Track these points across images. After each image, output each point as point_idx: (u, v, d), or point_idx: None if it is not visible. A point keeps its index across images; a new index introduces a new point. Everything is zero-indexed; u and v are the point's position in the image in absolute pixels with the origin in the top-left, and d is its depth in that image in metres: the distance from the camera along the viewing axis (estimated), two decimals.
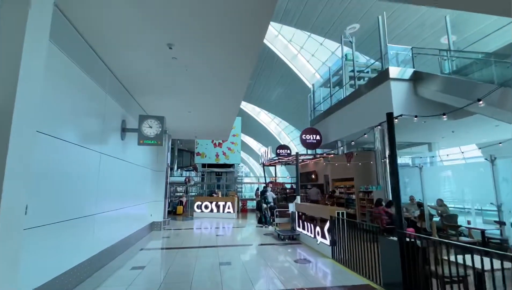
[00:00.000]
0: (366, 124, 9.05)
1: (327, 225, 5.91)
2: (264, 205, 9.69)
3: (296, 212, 7.65)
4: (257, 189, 14.04)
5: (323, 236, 6.06)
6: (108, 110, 5.37)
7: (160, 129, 6.10)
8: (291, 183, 15.62)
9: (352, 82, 11.04)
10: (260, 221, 10.03)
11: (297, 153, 9.00)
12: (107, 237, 5.39)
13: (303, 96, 20.93)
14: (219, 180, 19.84)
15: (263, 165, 15.93)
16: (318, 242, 6.25)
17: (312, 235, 6.61)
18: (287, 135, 28.98)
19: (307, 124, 21.07)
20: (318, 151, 13.37)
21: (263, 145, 33.83)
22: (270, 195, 10.20)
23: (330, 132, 11.53)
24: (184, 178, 17.26)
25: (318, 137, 11.09)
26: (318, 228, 6.33)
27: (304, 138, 11.03)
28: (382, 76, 8.32)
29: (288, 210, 8.66)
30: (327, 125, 11.78)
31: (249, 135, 33.12)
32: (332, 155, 11.77)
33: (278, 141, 28.81)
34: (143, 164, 7.79)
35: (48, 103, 3.62)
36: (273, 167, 19.28)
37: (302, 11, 15.39)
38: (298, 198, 8.26)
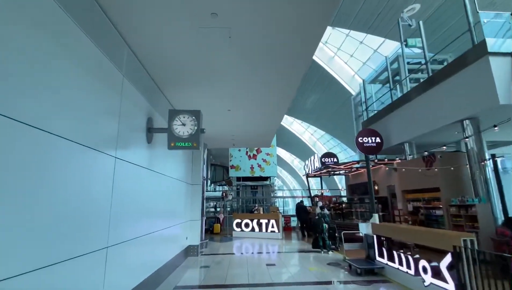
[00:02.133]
0: (448, 118, 6.97)
1: (447, 259, 3.88)
2: (326, 225, 7.67)
3: (374, 235, 5.64)
4: (300, 202, 12.07)
5: (437, 275, 4.02)
6: (126, 101, 3.85)
7: (195, 128, 4.50)
8: (336, 197, 13.46)
9: (418, 73, 9.03)
10: (316, 245, 8.01)
11: (367, 156, 7.07)
12: (126, 277, 3.75)
13: (342, 100, 18.93)
14: (254, 194, 18.23)
15: (307, 176, 13.95)
16: (426, 284, 4.20)
17: (412, 271, 4.58)
18: (323, 145, 26.71)
19: (348, 130, 18.90)
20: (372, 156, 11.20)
21: (297, 156, 31.83)
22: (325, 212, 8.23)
23: (392, 133, 9.46)
24: (221, 192, 15.64)
25: (378, 140, 9.04)
26: (424, 263, 4.31)
27: (361, 141, 9.03)
28: (474, 52, 6.27)
29: (359, 232, 6.62)
30: (387, 125, 9.74)
31: (282, 146, 31.18)
32: (398, 161, 9.63)
33: (312, 151, 26.62)
34: (175, 175, 6.21)
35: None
36: (316, 179, 17.05)
37: (341, 7, 13.72)
38: (376, 217, 6.24)
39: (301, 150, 28.85)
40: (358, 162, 11.03)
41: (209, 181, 18.94)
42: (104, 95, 3.28)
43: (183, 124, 4.50)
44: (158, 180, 5.04)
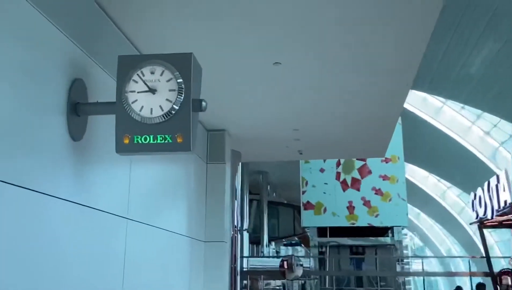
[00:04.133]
0: None
1: None
2: None
3: None
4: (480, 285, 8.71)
5: None
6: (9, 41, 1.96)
7: (181, 97, 2.49)
8: None
9: None
10: None
11: None
12: None
13: None
14: (358, 264, 14.38)
15: (481, 225, 10.75)
16: None
17: None
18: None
19: None
20: None
21: (451, 182, 26.03)
22: None
23: None
24: (281, 260, 12.19)
25: None
26: None
27: None
28: None
29: None
30: None
31: (415, 161, 24.78)
32: None
33: (488, 168, 20.04)
34: (160, 221, 4.47)
35: None
36: (502, 231, 12.68)
37: None
38: None
39: (458, 166, 23.69)
40: None
41: (265, 237, 16.20)
42: None
43: (152, 90, 2.46)
44: (103, 228, 3.07)
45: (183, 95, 2.42)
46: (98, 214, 2.93)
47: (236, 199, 6.73)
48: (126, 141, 2.44)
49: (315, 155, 8.27)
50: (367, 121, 5.44)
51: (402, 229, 15.14)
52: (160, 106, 2.42)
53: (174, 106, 2.41)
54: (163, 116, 2.40)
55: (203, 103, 2.49)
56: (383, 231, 14.64)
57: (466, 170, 22.64)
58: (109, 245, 3.11)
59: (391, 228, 14.37)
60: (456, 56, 16.91)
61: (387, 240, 14.79)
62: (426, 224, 34.66)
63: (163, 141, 2.41)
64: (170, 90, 2.45)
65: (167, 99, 2.43)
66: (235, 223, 6.66)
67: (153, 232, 3.99)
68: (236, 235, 6.61)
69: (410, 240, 30.54)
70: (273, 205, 18.28)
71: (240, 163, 6.82)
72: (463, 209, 26.29)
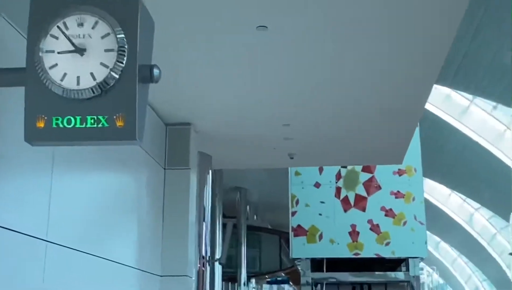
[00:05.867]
0: None
1: None
2: None
3: None
4: None
5: None
6: None
7: (123, 60, 2.30)
8: None
9: None
10: None
11: None
12: None
13: None
14: None
15: None
16: None
17: None
18: None
19: None
20: None
21: (481, 204, 27.08)
22: None
23: None
24: None
25: None
26: None
27: None
28: None
29: None
30: None
31: (435, 176, 26.12)
32: None
33: None
34: (103, 249, 4.64)
35: None
36: None
37: None
38: None
39: (489, 182, 24.47)
40: None
41: (242, 273, 16.49)
42: None
43: (79, 50, 2.33)
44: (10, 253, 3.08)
45: (125, 59, 2.22)
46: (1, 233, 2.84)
47: (204, 220, 6.85)
48: (41, 124, 2.25)
49: (311, 161, 8.24)
50: (381, 115, 5.56)
51: (420, 261, 15.26)
52: (92, 74, 2.22)
53: (112, 73, 2.20)
54: (95, 88, 2.20)
55: (156, 71, 2.31)
56: (395, 264, 14.73)
57: (499, 187, 23.28)
58: (18, 272, 3.05)
59: (406, 260, 14.35)
60: (487, 42, 17.40)
61: (400, 276, 14.77)
62: (448, 256, 35.48)
63: (95, 125, 2.22)
64: (106, 51, 2.24)
65: (101, 64, 2.22)
66: (203, 252, 6.84)
67: (87, 261, 3.93)
68: (204, 268, 6.86)
69: (427, 277, 31.03)
70: (254, 231, 18.57)
71: (210, 171, 6.89)
72: (494, 236, 27.10)
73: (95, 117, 2.21)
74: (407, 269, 14.66)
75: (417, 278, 14.87)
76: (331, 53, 4.20)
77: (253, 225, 18.52)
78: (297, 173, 14.57)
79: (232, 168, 9.37)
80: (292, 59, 4.28)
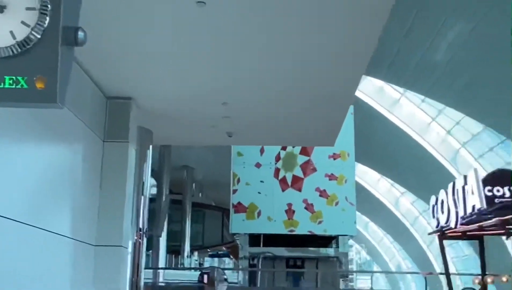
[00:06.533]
0: None
1: None
2: None
3: None
4: None
5: None
6: None
7: (46, 21, 2.06)
8: None
9: None
10: None
11: None
12: None
13: None
14: (296, 281, 14.91)
15: (441, 236, 11.36)
16: None
17: None
18: (475, 154, 21.39)
19: None
20: None
21: (405, 187, 27.88)
22: None
23: None
24: (200, 274, 12.30)
25: None
26: None
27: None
28: None
29: None
30: None
31: (366, 161, 26.27)
32: None
33: (448, 172, 22.18)
34: (35, 218, 4.42)
35: None
36: (465, 244, 13.36)
37: None
38: None
39: (414, 168, 25.51)
40: None
41: (185, 247, 16.45)
42: None
43: None
44: None
45: (47, 18, 2.03)
46: None
47: (143, 193, 6.65)
48: None
49: (248, 140, 8.16)
50: (314, 100, 5.68)
51: (349, 239, 15.64)
52: (11, 32, 2.01)
53: (33, 33, 2.01)
54: (14, 47, 2.00)
55: (80, 33, 2.10)
56: (326, 241, 15.15)
57: (423, 174, 24.31)
58: None
59: (336, 237, 15.04)
60: (418, 41, 17.73)
61: (331, 252, 15.36)
62: (375, 235, 36.59)
63: (13, 86, 2.01)
64: (27, 9, 2.04)
65: (22, 22, 2.02)
66: (140, 225, 6.60)
67: (21, 230, 3.81)
68: (141, 240, 6.56)
69: (356, 254, 31.94)
70: (199, 207, 18.78)
71: (150, 146, 6.76)
72: (416, 218, 28.17)
73: (14, 77, 2.01)
74: (337, 246, 15.17)
75: (345, 254, 15.41)
76: (267, 36, 4.19)
77: (197, 202, 18.73)
78: (239, 154, 14.67)
79: (173, 144, 9.12)
80: (230, 37, 4.22)
